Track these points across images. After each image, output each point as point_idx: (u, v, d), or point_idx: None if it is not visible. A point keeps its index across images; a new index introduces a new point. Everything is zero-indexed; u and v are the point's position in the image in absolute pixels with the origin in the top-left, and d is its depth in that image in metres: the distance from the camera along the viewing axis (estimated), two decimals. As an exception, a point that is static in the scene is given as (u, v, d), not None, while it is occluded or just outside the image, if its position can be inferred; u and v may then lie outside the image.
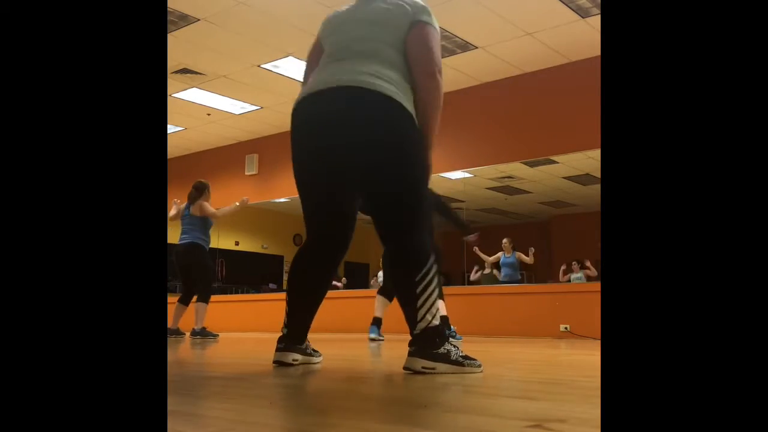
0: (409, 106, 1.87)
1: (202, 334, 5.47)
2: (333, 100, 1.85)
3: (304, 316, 2.09)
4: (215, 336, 5.58)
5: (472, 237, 4.92)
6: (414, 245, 1.85)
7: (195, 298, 5.59)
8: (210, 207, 5.64)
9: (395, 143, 1.84)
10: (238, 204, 5.75)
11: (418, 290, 1.80)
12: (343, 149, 1.86)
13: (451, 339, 4.68)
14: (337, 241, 2.04)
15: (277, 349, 2.05)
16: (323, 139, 1.89)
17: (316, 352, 2.18)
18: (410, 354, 1.81)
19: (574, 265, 8.37)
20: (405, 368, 1.81)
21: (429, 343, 1.79)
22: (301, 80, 2.18)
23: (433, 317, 1.81)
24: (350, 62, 1.90)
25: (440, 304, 4.69)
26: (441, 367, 1.77)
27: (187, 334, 5.77)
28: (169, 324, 5.57)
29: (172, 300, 5.75)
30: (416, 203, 1.88)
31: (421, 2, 2.00)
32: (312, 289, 2.09)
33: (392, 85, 1.84)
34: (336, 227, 2.02)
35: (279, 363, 2.03)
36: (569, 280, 8.10)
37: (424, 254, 1.84)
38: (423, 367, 1.77)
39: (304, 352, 2.10)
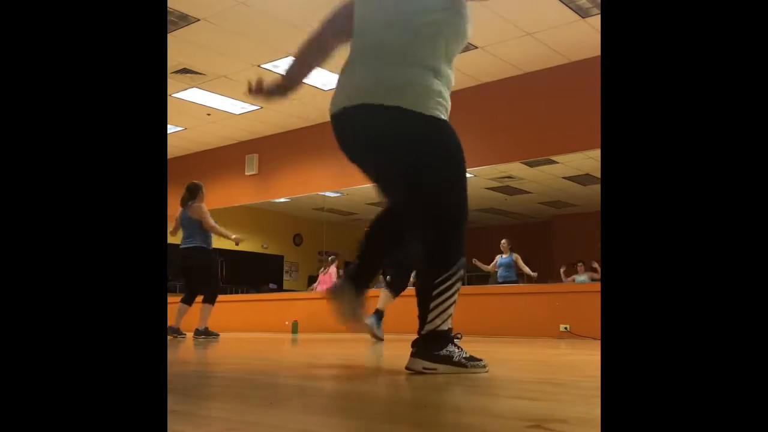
0: (426, 104, 1.82)
1: (206, 334, 5.50)
2: (359, 119, 1.87)
3: (374, 263, 2.09)
4: (216, 336, 5.62)
5: None
6: (440, 247, 1.83)
7: (201, 298, 5.62)
8: (207, 213, 5.63)
9: (425, 155, 1.83)
10: (233, 237, 5.74)
11: (435, 293, 1.79)
12: (374, 161, 1.94)
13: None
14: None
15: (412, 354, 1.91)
16: (358, 152, 1.96)
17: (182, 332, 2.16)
18: (413, 354, 1.81)
19: (579, 266, 8.34)
20: (407, 368, 1.81)
21: (431, 344, 1.79)
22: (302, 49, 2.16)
23: (443, 322, 1.80)
24: (367, 69, 1.89)
25: (387, 297, 4.62)
26: (442, 368, 1.77)
27: (189, 334, 5.78)
28: (172, 322, 5.60)
29: (172, 300, 5.76)
30: (455, 207, 1.87)
31: None
32: (385, 243, 2.08)
33: (407, 95, 1.81)
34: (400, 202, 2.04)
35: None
36: (573, 281, 8.07)
37: (453, 259, 1.82)
38: (424, 368, 1.77)
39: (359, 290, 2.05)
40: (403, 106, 1.80)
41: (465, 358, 1.82)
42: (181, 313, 5.65)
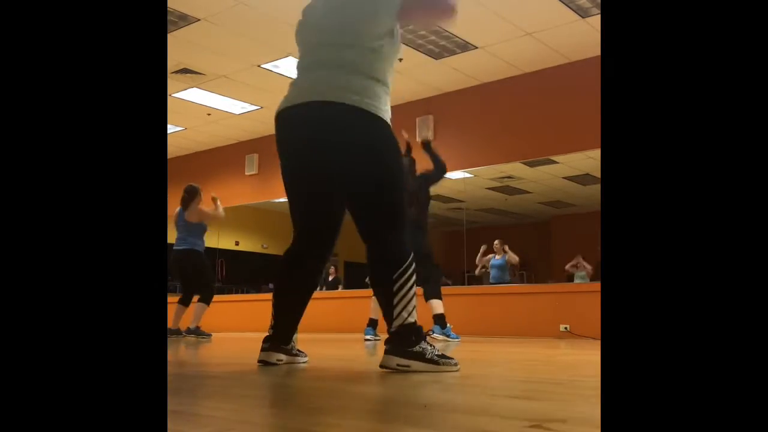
0: (380, 107, 1.93)
1: (197, 333, 5.51)
2: (310, 115, 1.93)
3: (291, 317, 2.15)
4: (208, 336, 5.62)
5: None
6: (392, 244, 1.92)
7: (196, 297, 5.62)
8: (206, 210, 5.67)
9: (369, 150, 1.92)
10: (218, 206, 5.78)
11: (395, 288, 1.87)
12: (323, 159, 1.96)
13: (447, 339, 4.65)
14: (322, 242, 2.11)
15: (262, 349, 2.10)
16: (304, 151, 1.99)
17: (302, 352, 2.22)
18: (386, 352, 1.86)
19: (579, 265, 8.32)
20: (381, 366, 1.87)
21: (404, 341, 1.85)
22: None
23: (409, 314, 1.87)
24: (319, 74, 1.97)
25: (437, 303, 4.69)
26: (415, 365, 1.82)
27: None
28: (169, 324, 5.59)
29: (172, 300, 5.76)
30: (393, 204, 1.96)
31: None
32: (297, 290, 2.13)
33: (361, 96, 1.90)
34: (320, 229, 2.10)
35: (263, 362, 2.07)
36: (572, 275, 8.02)
37: (402, 253, 1.91)
38: (398, 365, 1.83)
39: (289, 353, 2.16)
40: (362, 107, 1.88)
41: (437, 355, 1.88)
42: (179, 314, 5.66)
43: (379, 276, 1.93)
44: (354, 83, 1.91)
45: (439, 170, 4.66)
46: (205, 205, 5.79)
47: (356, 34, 1.95)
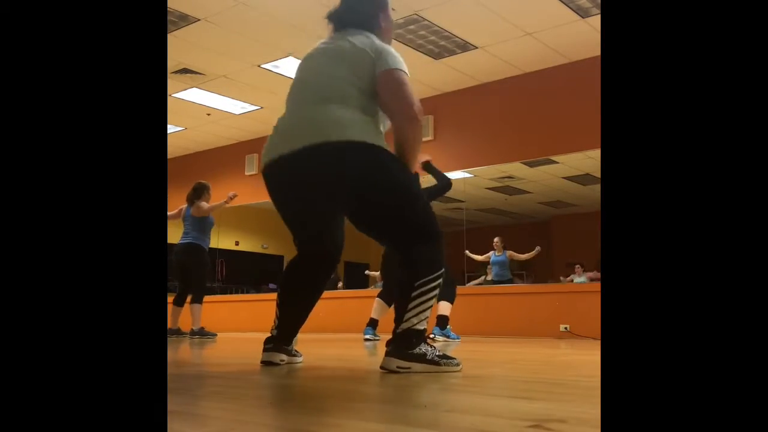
0: (375, 136, 1.90)
1: (201, 334, 5.50)
2: (303, 162, 1.89)
3: (295, 319, 2.16)
4: (213, 335, 5.61)
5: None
6: (421, 256, 1.89)
7: (189, 299, 5.62)
8: (203, 205, 5.64)
9: (378, 174, 1.88)
10: (227, 198, 5.73)
11: (414, 294, 1.84)
12: (324, 194, 1.94)
13: (447, 339, 4.63)
14: (328, 254, 2.11)
15: (265, 350, 2.11)
16: (303, 194, 1.97)
17: (298, 353, 2.24)
18: (387, 354, 1.85)
19: (578, 268, 8.32)
20: (381, 367, 1.86)
21: (405, 343, 1.84)
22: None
23: (419, 322, 1.85)
24: (304, 114, 1.95)
25: (445, 305, 4.66)
26: (416, 366, 1.81)
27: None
28: (168, 324, 5.60)
29: (172, 300, 5.76)
30: (418, 217, 1.92)
31: (383, 45, 2.00)
32: (304, 294, 2.15)
33: (351, 128, 1.86)
34: (326, 240, 2.10)
35: (267, 363, 2.08)
36: (572, 281, 8.04)
37: (432, 267, 1.88)
38: (398, 367, 1.82)
39: (289, 353, 2.17)
40: (355, 139, 1.85)
41: (438, 356, 1.87)
42: (175, 315, 5.66)
43: (404, 279, 1.90)
44: (342, 116, 1.88)
45: (445, 186, 4.66)
46: (213, 201, 5.78)
47: (347, 72, 1.94)
